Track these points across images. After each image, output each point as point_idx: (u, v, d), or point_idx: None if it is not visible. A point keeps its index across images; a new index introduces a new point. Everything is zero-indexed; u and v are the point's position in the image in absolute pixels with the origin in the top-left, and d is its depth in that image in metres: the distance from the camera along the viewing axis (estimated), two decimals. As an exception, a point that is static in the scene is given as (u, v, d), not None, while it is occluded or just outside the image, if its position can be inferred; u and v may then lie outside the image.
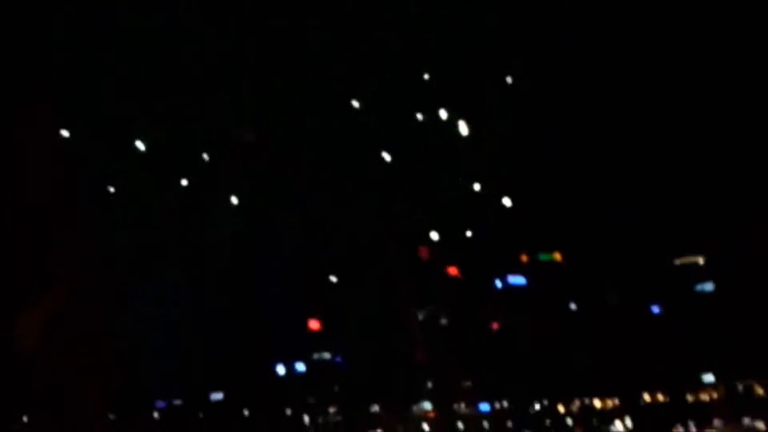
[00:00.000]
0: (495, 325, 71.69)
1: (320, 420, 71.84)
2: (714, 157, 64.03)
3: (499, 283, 73.33)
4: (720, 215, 64.32)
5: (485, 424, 64.94)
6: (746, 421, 58.30)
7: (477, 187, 67.27)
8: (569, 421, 63.58)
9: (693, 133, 64.91)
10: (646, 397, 62.83)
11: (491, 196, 66.41)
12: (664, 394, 62.05)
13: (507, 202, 67.01)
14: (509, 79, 57.99)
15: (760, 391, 59.60)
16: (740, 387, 61.08)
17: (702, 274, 68.03)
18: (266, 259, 68.50)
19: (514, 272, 73.19)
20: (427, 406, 68.99)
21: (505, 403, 66.19)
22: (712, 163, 64.06)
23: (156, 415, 67.85)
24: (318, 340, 75.67)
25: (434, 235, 72.13)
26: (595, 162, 65.36)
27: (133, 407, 65.42)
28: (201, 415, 68.46)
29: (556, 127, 65.45)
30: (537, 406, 65.07)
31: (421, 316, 72.48)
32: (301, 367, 74.81)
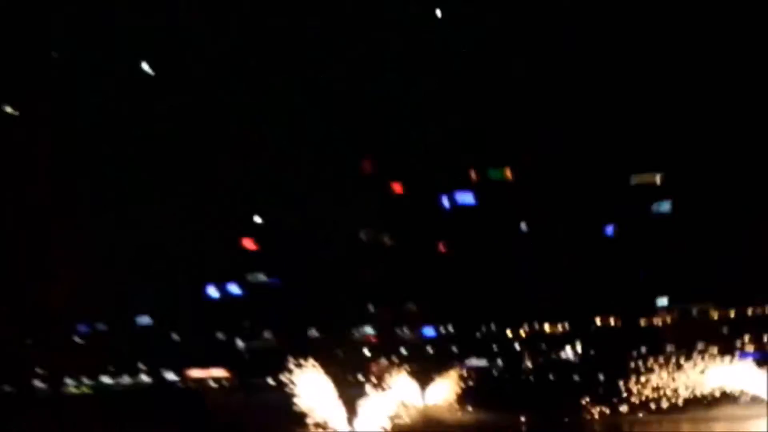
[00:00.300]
0: (441, 246, 68.73)
1: (254, 345, 68.65)
2: (673, 69, 61.29)
3: (446, 202, 70.20)
4: (679, 130, 61.58)
5: (429, 349, 62.51)
6: (700, 346, 56.15)
7: (425, 100, 63.95)
8: (517, 347, 61.38)
9: (652, 47, 62.00)
10: (598, 321, 61.08)
11: (441, 107, 63.00)
12: (616, 318, 60.23)
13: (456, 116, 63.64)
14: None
15: (715, 315, 57.96)
16: (695, 311, 59.53)
17: (659, 193, 65.92)
18: (203, 176, 64.43)
19: (462, 189, 70.13)
20: (369, 330, 66.20)
21: (451, 328, 63.80)
22: (670, 74, 61.29)
23: (78, 339, 64.11)
24: (253, 261, 71.75)
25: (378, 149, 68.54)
26: (550, 74, 62.15)
27: (52, 332, 61.28)
28: (126, 339, 64.92)
29: (510, 43, 62.34)
30: (483, 331, 62.87)
31: (363, 236, 68.95)
32: (234, 289, 71.28)
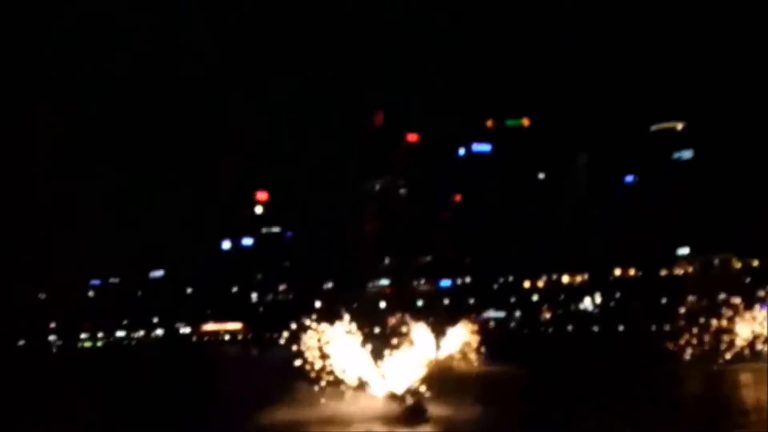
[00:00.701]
0: (457, 197, 67.81)
1: (269, 298, 68.09)
2: (690, 19, 59.44)
3: (462, 151, 69.02)
4: (701, 78, 60.12)
5: (446, 300, 61.69)
6: (722, 296, 54.73)
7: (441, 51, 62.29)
8: (535, 298, 60.49)
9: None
10: (617, 271, 60.12)
11: (457, 57, 61.45)
12: (636, 268, 59.21)
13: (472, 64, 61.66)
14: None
15: (737, 264, 56.83)
16: (716, 261, 58.44)
17: (680, 141, 64.54)
18: (217, 136, 63.45)
19: (479, 139, 68.86)
20: (384, 282, 65.52)
21: (468, 279, 62.95)
22: (691, 24, 59.57)
23: (91, 293, 63.73)
24: (267, 214, 70.97)
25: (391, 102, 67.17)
26: (567, 24, 60.54)
27: (67, 286, 60.85)
28: (139, 293, 64.46)
29: None
30: (500, 282, 61.96)
31: (377, 186, 67.94)
32: (248, 241, 70.43)
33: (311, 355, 20.02)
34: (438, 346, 36.13)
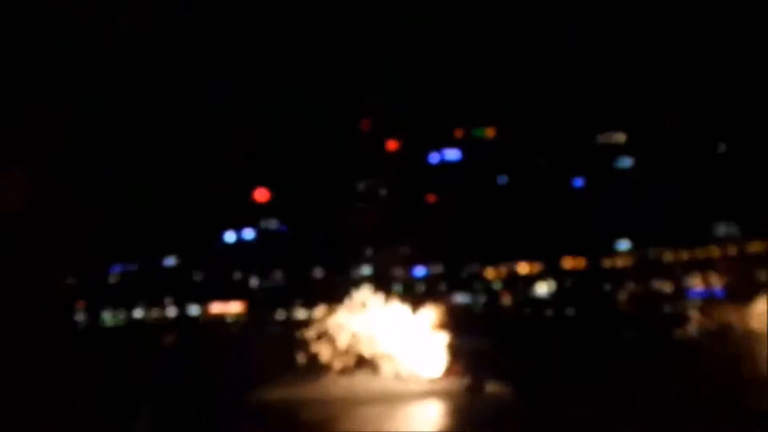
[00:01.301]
0: (431, 197, 69.50)
1: (266, 282, 69.66)
2: (637, 38, 61.22)
3: (435, 157, 70.73)
4: (641, 95, 62.09)
5: (421, 287, 63.37)
6: (655, 284, 57.02)
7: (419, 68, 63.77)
8: (497, 285, 62.27)
9: (615, 15, 61.79)
10: (567, 262, 61.86)
11: (429, 76, 63.17)
12: (583, 259, 61.02)
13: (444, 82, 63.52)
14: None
15: (669, 257, 58.82)
16: (651, 253, 60.32)
17: (622, 151, 66.48)
18: (218, 135, 64.47)
19: (449, 147, 70.56)
20: (367, 270, 67.00)
21: (439, 268, 64.58)
22: (635, 44, 61.28)
23: (111, 280, 65.02)
24: (265, 210, 72.48)
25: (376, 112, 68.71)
26: (528, 43, 62.18)
27: (90, 272, 62.06)
28: (154, 278, 65.78)
29: (489, 9, 61.84)
30: (467, 271, 63.65)
31: (362, 187, 69.60)
32: (249, 234, 72.06)
33: (320, 333, 18.53)
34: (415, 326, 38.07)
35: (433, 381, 17.34)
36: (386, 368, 17.38)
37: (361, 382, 17.07)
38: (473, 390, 16.71)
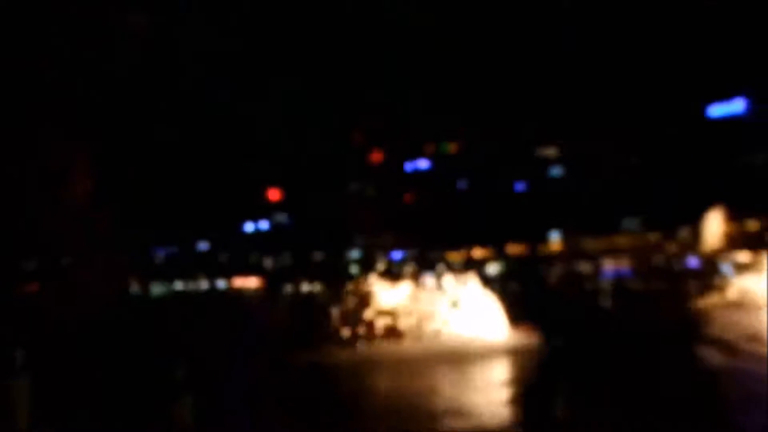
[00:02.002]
0: (407, 197, 74.39)
1: (277, 262, 74.49)
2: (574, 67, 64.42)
3: (410, 166, 75.64)
4: (570, 118, 66.71)
5: (398, 267, 68.15)
6: (578, 265, 62.12)
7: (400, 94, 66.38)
8: (457, 266, 67.08)
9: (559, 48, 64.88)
10: (511, 248, 66.61)
11: (409, 104, 66.86)
12: (523, 246, 65.82)
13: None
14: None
15: (589, 244, 63.76)
16: (575, 242, 65.11)
17: (554, 161, 71.28)
18: (241, 143, 67.89)
19: (422, 158, 75.46)
20: (356, 253, 71.79)
21: (412, 252, 69.44)
22: (567, 76, 65.02)
23: (157, 260, 69.60)
24: (277, 206, 77.30)
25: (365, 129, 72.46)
26: (492, 69, 65.24)
27: (139, 253, 66.68)
28: (191, 259, 70.46)
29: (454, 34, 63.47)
30: (433, 254, 68.36)
31: (353, 188, 74.48)
32: (264, 225, 76.88)
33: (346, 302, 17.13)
34: (394, 299, 42.82)
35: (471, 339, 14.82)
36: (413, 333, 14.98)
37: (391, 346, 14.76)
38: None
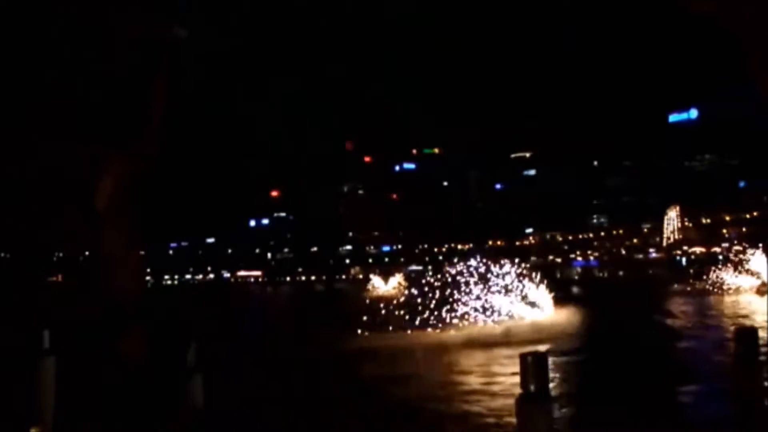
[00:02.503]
0: (394, 196, 74.39)
1: (278, 256, 74.18)
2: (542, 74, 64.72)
3: (397, 167, 75.59)
4: (541, 127, 66.75)
5: (386, 259, 67.94)
6: (550, 257, 61.77)
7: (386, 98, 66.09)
8: (441, 257, 66.88)
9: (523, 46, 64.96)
10: (490, 242, 66.52)
11: (395, 111, 66.77)
12: (501, 240, 65.70)
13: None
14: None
15: (559, 238, 63.85)
16: (548, 236, 65.20)
17: (528, 163, 71.34)
18: (246, 146, 67.04)
19: (408, 161, 75.36)
20: (348, 247, 71.70)
21: (400, 246, 69.36)
22: (542, 80, 65.16)
23: (170, 252, 69.09)
24: (277, 205, 76.79)
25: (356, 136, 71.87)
26: (476, 73, 64.95)
27: (153, 246, 66.00)
28: (200, 251, 70.00)
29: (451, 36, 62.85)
30: (419, 248, 68.24)
31: (345, 189, 74.30)
32: (266, 221, 76.50)
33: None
34: (385, 285, 42.54)
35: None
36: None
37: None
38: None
